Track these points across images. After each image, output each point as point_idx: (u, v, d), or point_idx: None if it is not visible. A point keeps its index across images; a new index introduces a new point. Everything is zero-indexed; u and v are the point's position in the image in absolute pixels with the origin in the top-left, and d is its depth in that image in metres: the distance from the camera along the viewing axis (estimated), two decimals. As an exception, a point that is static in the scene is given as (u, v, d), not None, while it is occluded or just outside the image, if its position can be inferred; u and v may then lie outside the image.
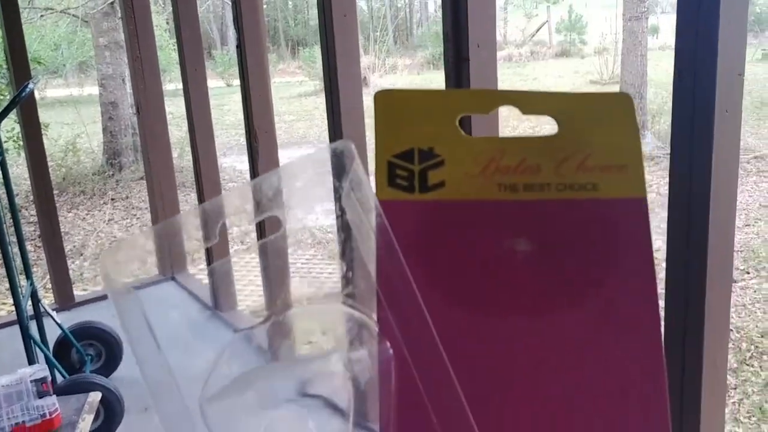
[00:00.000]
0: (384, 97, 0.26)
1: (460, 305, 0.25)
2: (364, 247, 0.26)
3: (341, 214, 0.27)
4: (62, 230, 6.23)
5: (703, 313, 1.49)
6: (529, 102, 0.26)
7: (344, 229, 0.27)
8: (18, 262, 2.93)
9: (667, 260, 1.58)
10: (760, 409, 3.23)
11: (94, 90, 9.43)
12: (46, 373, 1.86)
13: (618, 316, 0.25)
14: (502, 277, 0.25)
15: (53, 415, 1.74)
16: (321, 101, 2.48)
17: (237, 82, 3.34)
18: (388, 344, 0.25)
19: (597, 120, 0.25)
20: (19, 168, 7.88)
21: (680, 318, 1.54)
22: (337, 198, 0.27)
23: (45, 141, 3.98)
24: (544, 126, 0.27)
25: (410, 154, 0.26)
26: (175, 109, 7.48)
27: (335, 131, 2.43)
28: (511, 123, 8.29)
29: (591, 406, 0.25)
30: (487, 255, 0.25)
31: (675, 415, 1.62)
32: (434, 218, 0.26)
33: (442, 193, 0.26)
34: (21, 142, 6.55)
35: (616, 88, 8.26)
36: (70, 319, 3.44)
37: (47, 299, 3.85)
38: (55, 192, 4.42)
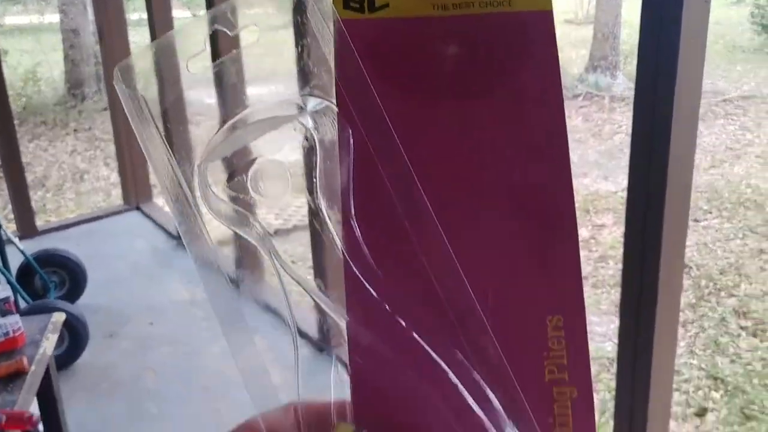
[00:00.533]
0: None
1: (402, 94, 0.31)
2: (326, 49, 0.31)
3: (305, 23, 0.31)
4: (24, 161, 6.09)
5: (660, 244, 1.51)
6: None
7: (307, 35, 0.32)
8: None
9: (628, 197, 1.60)
10: (715, 342, 3.33)
11: (55, 18, 9.10)
12: (9, 293, 1.84)
13: (526, 104, 0.32)
14: (434, 69, 0.32)
15: (16, 334, 1.72)
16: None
17: (203, 12, 3.24)
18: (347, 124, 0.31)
19: None
20: (-23, 96, 7.67)
21: (638, 247, 1.57)
22: (303, 11, 0.31)
23: (4, 69, 3.85)
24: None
25: None
26: (140, 38, 7.26)
27: None
28: None
29: (502, 174, 0.32)
30: (423, 56, 0.32)
31: (630, 340, 1.66)
32: (380, 31, 0.32)
33: (386, 12, 0.32)
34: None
35: (590, 28, 8.22)
36: (33, 247, 3.39)
37: (9, 229, 3.78)
38: (15, 122, 4.28)
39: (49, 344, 1.78)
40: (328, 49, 0.31)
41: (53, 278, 3.21)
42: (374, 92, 0.30)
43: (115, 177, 4.99)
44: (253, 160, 0.33)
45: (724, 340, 3.34)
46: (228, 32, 0.32)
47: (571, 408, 0.31)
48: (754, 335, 3.37)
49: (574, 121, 6.63)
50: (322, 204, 0.32)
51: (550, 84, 0.32)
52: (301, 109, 0.33)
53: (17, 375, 1.66)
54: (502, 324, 0.31)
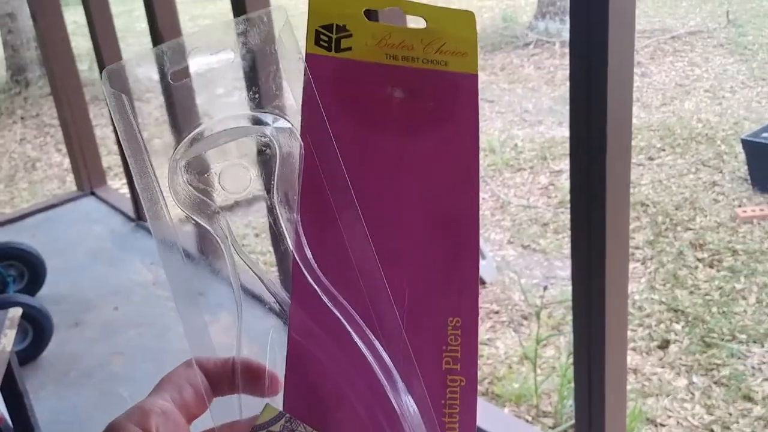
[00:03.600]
0: None
1: (353, 121, 0.39)
2: (286, 77, 0.39)
3: (272, 53, 0.39)
4: (-28, 153, 5.93)
5: (604, 180, 1.54)
6: (409, 7, 0.41)
7: (273, 64, 0.40)
8: None
9: (570, 140, 1.61)
10: (674, 275, 3.41)
11: (-9, 2, 8.77)
12: (-42, 292, 1.81)
13: (448, 147, 0.40)
14: (383, 109, 0.40)
15: (-30, 333, 1.70)
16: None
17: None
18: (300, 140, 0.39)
19: (452, 23, 0.41)
20: None
21: (585, 186, 1.59)
22: (272, 42, 0.39)
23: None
24: (420, 22, 0.42)
25: (330, 27, 0.40)
26: (80, 17, 7.05)
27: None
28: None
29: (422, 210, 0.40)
30: (374, 96, 0.40)
31: (583, 277, 1.70)
32: (343, 69, 0.40)
33: (349, 54, 0.40)
34: None
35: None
36: (-14, 241, 3.33)
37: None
38: (-42, 113, 4.13)
39: (7, 341, 1.76)
40: (288, 77, 0.39)
41: (10, 272, 3.15)
42: (325, 118, 0.38)
43: (68, 163, 4.89)
44: (221, 160, 0.40)
45: (682, 273, 3.43)
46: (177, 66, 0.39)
47: (459, 393, 0.39)
48: (711, 266, 3.46)
49: (526, 69, 6.64)
50: (276, 203, 0.39)
51: (469, 133, 0.40)
52: (258, 123, 0.39)
53: (-24, 373, 1.64)
54: (413, 321, 0.38)
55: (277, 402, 0.39)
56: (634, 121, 5.06)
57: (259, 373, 0.39)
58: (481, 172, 4.70)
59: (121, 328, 2.97)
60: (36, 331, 2.78)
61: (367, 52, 0.40)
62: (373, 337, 0.38)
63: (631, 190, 4.13)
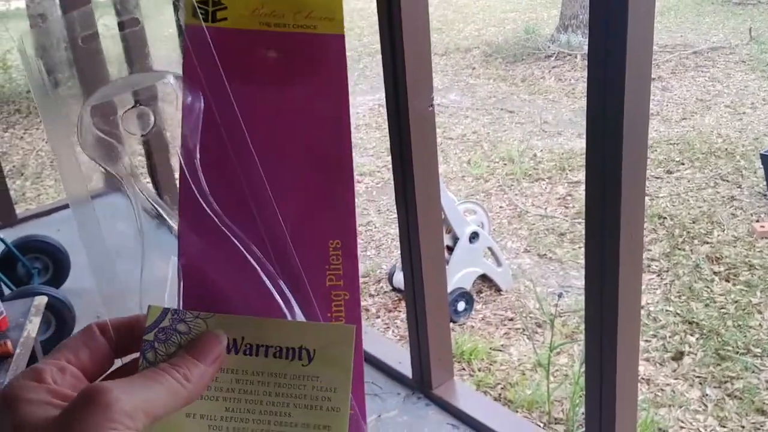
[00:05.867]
0: None
1: (234, 77, 0.44)
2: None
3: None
4: (0, 150, 6.05)
5: (620, 192, 1.56)
6: None
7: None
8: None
9: (587, 151, 1.64)
10: (690, 288, 3.42)
11: (21, 3, 8.96)
12: (-11, 278, 1.87)
13: (319, 95, 0.45)
14: (258, 65, 0.45)
15: (-1, 318, 1.76)
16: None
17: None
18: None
19: None
20: (-53, 88, 7.57)
21: (600, 197, 1.62)
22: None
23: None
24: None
25: (206, 1, 0.44)
26: (110, 20, 7.17)
27: None
28: None
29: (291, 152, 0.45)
30: (251, 57, 0.45)
31: (596, 287, 1.72)
32: (220, 38, 0.44)
33: (224, 24, 0.44)
34: (-54, 59, 6.30)
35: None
36: (13, 235, 3.41)
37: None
38: (-12, 111, 4.25)
39: (32, 327, 1.82)
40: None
41: (36, 264, 3.23)
42: (222, 76, 0.44)
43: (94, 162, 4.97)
44: (128, 104, 0.44)
45: (698, 286, 3.43)
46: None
47: (344, 306, 0.44)
48: (727, 280, 3.46)
49: (547, 81, 6.66)
50: (178, 146, 0.44)
51: (339, 84, 0.45)
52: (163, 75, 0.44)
53: (2, 358, 1.70)
54: (299, 242, 0.44)
55: None
56: (654, 134, 5.07)
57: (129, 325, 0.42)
58: (499, 181, 4.74)
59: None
60: (59, 323, 2.84)
61: (241, 21, 0.44)
62: (261, 255, 0.42)
63: (649, 203, 4.14)
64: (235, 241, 0.43)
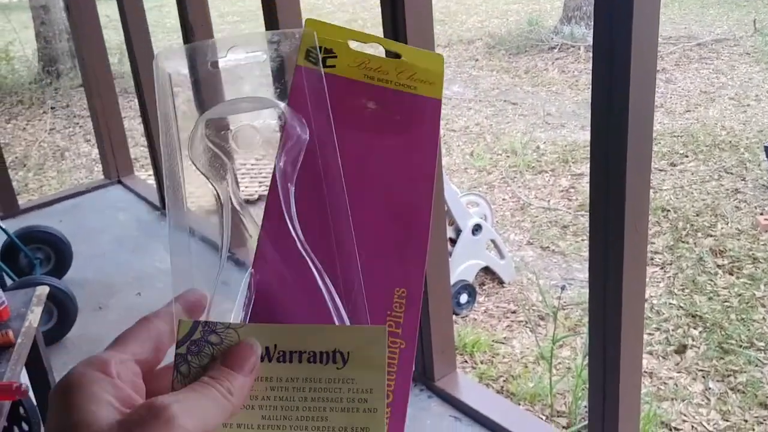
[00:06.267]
0: (311, 23, 0.48)
1: (335, 119, 0.46)
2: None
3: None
4: (2, 141, 6.05)
5: (624, 184, 1.55)
6: (388, 44, 0.49)
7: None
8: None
9: (591, 143, 1.63)
10: (693, 281, 3.41)
11: (23, -6, 8.94)
12: (-10, 269, 1.87)
13: (411, 154, 0.47)
14: (357, 114, 0.48)
15: (0, 308, 1.75)
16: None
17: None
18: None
19: (423, 60, 0.49)
20: (-51, 79, 7.57)
21: (604, 190, 1.61)
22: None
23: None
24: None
25: (320, 48, 0.47)
26: (112, 12, 7.15)
27: (270, 19, 2.40)
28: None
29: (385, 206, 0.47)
30: (351, 104, 0.48)
31: (599, 280, 1.71)
32: (328, 82, 0.47)
33: (333, 70, 0.48)
34: (-52, 50, 6.29)
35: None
36: (16, 225, 3.41)
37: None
38: (-10, 102, 4.21)
39: (34, 317, 1.82)
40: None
41: (38, 255, 3.23)
42: (330, 119, 0.47)
43: (96, 153, 4.97)
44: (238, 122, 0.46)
45: (702, 279, 3.42)
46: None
47: (398, 354, 0.45)
48: (731, 273, 3.45)
49: (551, 73, 6.64)
50: (278, 169, 0.46)
51: (429, 143, 0.48)
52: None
53: (4, 348, 1.69)
54: (368, 284, 0.44)
55: None
56: (658, 126, 5.05)
57: (198, 299, 0.42)
58: (502, 173, 4.73)
59: (143, 312, 3.00)
60: (61, 313, 2.84)
61: (347, 71, 0.48)
62: (334, 291, 0.44)
63: (653, 196, 4.12)
64: (312, 268, 0.44)
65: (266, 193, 0.46)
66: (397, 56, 0.49)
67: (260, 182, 3.89)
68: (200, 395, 0.37)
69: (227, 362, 0.39)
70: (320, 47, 0.47)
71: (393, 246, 0.46)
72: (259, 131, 0.46)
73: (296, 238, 0.44)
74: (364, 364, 0.40)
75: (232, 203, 0.45)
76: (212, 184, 0.45)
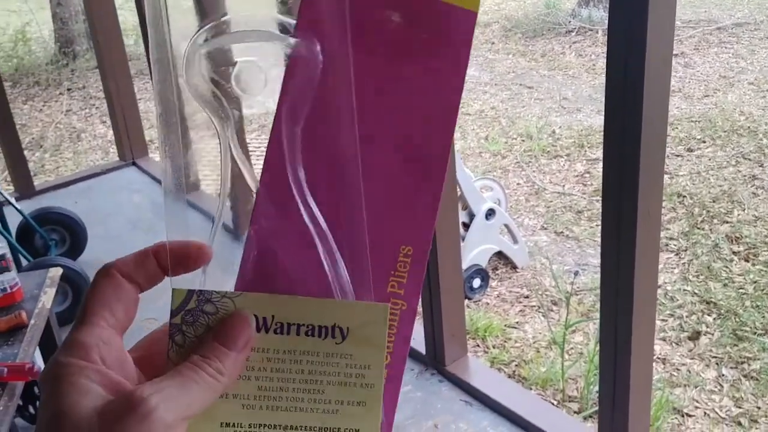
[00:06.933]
0: None
1: (349, 44, 0.39)
2: None
3: None
4: (19, 122, 6.08)
5: (638, 170, 1.54)
6: None
7: None
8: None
9: (605, 128, 1.61)
10: (708, 268, 3.38)
11: (40, -25, 8.96)
12: (5, 250, 1.88)
13: (433, 80, 0.40)
14: (376, 31, 0.40)
15: (14, 289, 1.77)
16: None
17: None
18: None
19: None
20: (-33, 60, 7.62)
21: (618, 175, 1.59)
22: None
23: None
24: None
25: None
26: (126, -8, 7.15)
27: None
28: None
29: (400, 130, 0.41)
30: (371, 18, 0.39)
31: (612, 266, 1.70)
32: None
33: None
34: (-35, 31, 6.32)
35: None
36: (31, 207, 3.43)
37: (7, 191, 3.82)
38: (8, 84, 4.22)
39: (47, 298, 1.83)
40: None
41: (53, 236, 3.25)
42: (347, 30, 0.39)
43: (112, 135, 4.99)
44: (241, 56, 0.40)
45: (717, 266, 3.39)
46: None
47: (399, 316, 0.41)
48: (746, 260, 3.42)
49: (567, 56, 6.57)
50: (283, 112, 0.40)
51: (456, 71, 0.40)
52: (285, 30, 0.39)
53: (17, 329, 1.71)
54: (372, 240, 0.40)
55: None
56: (675, 111, 4.99)
57: (185, 249, 0.39)
58: (517, 158, 4.71)
59: (156, 294, 3.03)
60: (75, 294, 2.87)
61: None
62: (337, 253, 0.40)
63: (669, 181, 4.08)
64: (313, 231, 0.39)
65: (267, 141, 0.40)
66: None
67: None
68: (186, 380, 0.36)
69: (220, 337, 0.38)
70: None
71: (402, 196, 0.40)
72: (263, 71, 0.40)
73: (298, 198, 0.39)
74: (363, 341, 0.39)
75: (231, 153, 0.40)
76: (211, 119, 0.40)
